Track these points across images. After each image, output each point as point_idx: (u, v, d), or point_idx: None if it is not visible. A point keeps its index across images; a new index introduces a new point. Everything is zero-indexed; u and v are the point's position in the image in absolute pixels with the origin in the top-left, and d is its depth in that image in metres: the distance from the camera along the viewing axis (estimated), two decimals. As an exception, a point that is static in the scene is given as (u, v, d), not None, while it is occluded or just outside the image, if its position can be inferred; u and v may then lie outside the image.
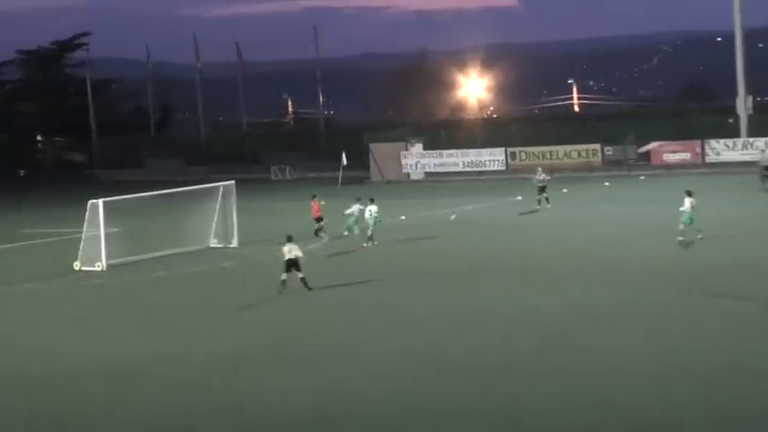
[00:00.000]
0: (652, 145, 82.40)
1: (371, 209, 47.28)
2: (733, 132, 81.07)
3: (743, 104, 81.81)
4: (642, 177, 76.19)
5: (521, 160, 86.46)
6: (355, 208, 49.54)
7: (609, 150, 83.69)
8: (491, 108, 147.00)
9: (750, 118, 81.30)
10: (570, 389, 24.14)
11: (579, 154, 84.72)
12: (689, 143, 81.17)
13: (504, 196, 67.05)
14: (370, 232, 47.08)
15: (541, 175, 59.65)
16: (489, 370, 26.18)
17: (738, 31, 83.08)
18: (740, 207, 55.26)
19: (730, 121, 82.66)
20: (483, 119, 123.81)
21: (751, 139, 78.74)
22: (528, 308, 32.84)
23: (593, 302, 33.21)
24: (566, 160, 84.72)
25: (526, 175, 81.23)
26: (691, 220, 43.43)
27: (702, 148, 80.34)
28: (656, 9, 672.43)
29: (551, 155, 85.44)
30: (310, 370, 27.06)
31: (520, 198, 65.35)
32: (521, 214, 57.95)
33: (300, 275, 36.48)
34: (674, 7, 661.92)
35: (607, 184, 72.30)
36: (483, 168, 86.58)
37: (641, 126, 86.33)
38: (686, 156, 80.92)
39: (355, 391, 25.07)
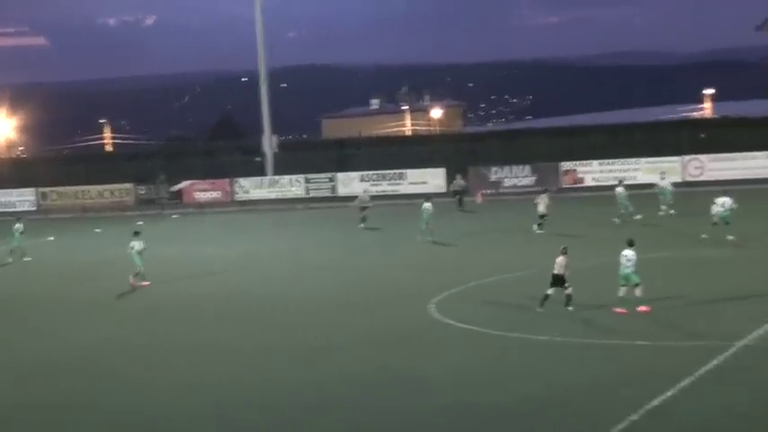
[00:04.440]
0: (184, 184, 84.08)
1: (134, 244, 44.81)
2: (260, 170, 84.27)
3: (268, 143, 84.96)
4: (175, 216, 77.48)
5: (53, 200, 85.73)
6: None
7: (142, 190, 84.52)
8: (21, 148, 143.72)
9: (275, 156, 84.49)
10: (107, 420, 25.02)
11: (112, 193, 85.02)
12: (219, 182, 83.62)
13: (37, 236, 66.27)
14: (140, 269, 44.58)
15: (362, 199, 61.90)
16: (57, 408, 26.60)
17: (263, 72, 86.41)
18: (273, 242, 57.70)
19: (257, 159, 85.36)
20: (12, 159, 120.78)
21: (277, 177, 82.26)
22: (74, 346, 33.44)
23: (136, 337, 34.25)
24: (99, 200, 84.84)
25: (60, 215, 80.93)
26: (426, 223, 52.19)
27: (232, 186, 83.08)
28: (186, 48, 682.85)
29: (84, 194, 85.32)
30: None
31: (52, 238, 65.09)
32: (49, 256, 57.82)
33: None
34: (203, 47, 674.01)
35: (140, 223, 72.88)
36: (13, 209, 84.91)
37: (173, 165, 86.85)
38: (217, 194, 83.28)
39: None
